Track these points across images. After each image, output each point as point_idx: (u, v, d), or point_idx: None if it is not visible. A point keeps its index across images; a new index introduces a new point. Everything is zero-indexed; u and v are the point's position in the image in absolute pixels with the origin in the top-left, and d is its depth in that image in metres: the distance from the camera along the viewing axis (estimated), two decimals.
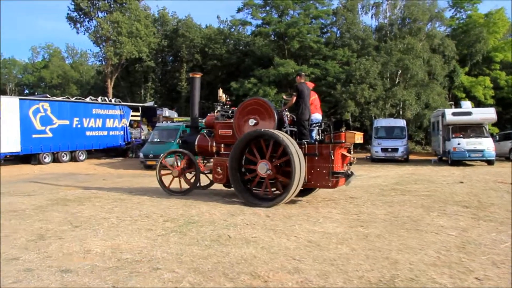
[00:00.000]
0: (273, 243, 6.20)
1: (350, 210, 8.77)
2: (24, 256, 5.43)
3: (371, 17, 37.41)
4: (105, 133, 27.16)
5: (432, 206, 9.19)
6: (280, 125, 9.52)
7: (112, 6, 34.35)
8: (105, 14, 35.13)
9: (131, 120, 29.31)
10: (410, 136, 29.99)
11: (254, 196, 9.47)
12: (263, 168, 9.11)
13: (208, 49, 38.41)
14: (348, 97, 27.76)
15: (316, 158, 8.94)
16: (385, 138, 24.73)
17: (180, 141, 11.47)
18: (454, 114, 21.62)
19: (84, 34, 37.07)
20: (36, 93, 42.59)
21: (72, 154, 25.08)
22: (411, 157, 26.32)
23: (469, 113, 21.35)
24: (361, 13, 35.52)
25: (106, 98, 29.30)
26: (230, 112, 10.61)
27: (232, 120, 10.11)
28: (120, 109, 28.17)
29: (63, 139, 24.27)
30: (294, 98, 9.55)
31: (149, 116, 30.56)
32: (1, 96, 22.71)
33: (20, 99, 22.65)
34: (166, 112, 31.17)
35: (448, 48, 32.87)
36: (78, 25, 36.04)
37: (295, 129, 9.65)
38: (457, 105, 27.10)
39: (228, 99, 11.28)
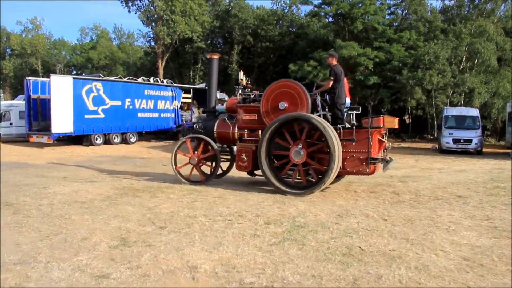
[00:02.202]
0: (423, 260, 4.81)
1: (473, 214, 7.31)
2: (115, 273, 4.13)
3: None
4: (156, 115, 26.15)
5: None
6: (312, 110, 8.84)
7: None
8: None
9: (181, 102, 28.19)
10: (484, 127, 27.56)
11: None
12: (297, 154, 8.44)
13: (260, 31, 36.78)
14: (415, 83, 25.61)
15: (353, 143, 8.43)
16: (456, 128, 22.61)
17: (197, 127, 10.35)
18: None
19: (136, 13, 36.17)
20: (83, 74, 42.36)
21: (123, 136, 24.23)
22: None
23: None
24: None
25: (158, 79, 28.25)
26: (253, 95, 9.74)
27: (257, 104, 9.28)
28: (172, 91, 27.08)
29: (115, 120, 23.37)
30: (331, 82, 8.88)
31: (200, 99, 29.32)
32: (53, 75, 22.00)
33: (73, 78, 21.79)
34: (218, 94, 29.83)
35: None
36: (130, 3, 35.31)
37: (326, 113, 9.04)
38: None
39: (249, 82, 10.38)
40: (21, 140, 23.84)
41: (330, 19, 32.39)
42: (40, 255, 4.64)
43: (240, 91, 9.82)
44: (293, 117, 8.58)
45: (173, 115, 27.03)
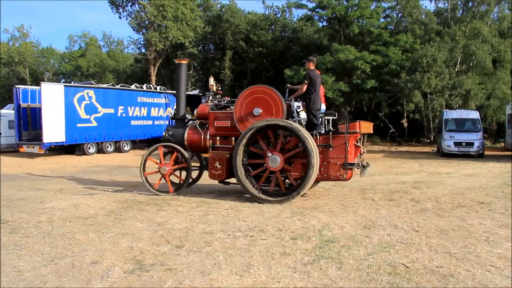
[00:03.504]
0: (479, 279, 4.40)
1: (505, 222, 6.86)
2: None
3: (430, 1, 34.67)
4: (150, 122, 25.46)
5: None
6: (287, 116, 8.63)
7: None
8: None
9: (175, 109, 27.50)
10: (486, 129, 27.22)
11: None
12: (275, 161, 8.23)
13: (253, 36, 36.34)
14: (413, 87, 25.25)
15: (330, 149, 8.34)
16: (456, 131, 22.30)
17: (166, 135, 9.93)
18: None
19: (126, 19, 35.53)
20: (73, 82, 41.73)
21: (116, 145, 23.53)
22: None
23: None
24: None
25: (151, 86, 27.60)
26: (224, 101, 9.52)
27: (230, 110, 9.13)
28: (165, 98, 26.44)
29: (108, 129, 22.66)
30: (305, 86, 8.72)
31: (194, 105, 28.67)
32: (43, 83, 21.27)
33: (65, 85, 21.07)
34: None
35: None
36: (121, 10, 34.62)
37: (301, 119, 8.86)
38: None
39: (220, 88, 10.11)
40: (11, 150, 23.02)
41: (325, 23, 32.04)
42: (47, 285, 4.04)
43: (211, 98, 9.52)
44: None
45: (167, 122, 26.35)
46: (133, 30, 37.39)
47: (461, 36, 28.24)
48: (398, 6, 31.16)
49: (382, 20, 30.57)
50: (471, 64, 28.71)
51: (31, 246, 5.34)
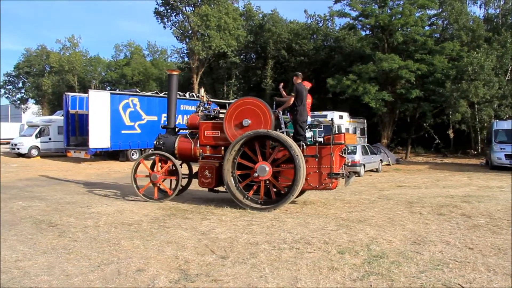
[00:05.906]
0: None
1: None
2: None
3: (480, 7, 33.54)
4: None
5: None
6: (276, 127, 8.86)
7: None
8: (192, 8, 34.08)
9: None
10: None
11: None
12: (263, 170, 8.43)
13: (294, 45, 36.25)
14: (459, 96, 24.34)
15: (316, 159, 8.54)
16: (507, 143, 21.35)
17: (157, 143, 10.11)
18: None
19: (171, 29, 36.34)
20: (118, 90, 42.82)
21: None
22: None
23: None
24: (469, 3, 31.90)
25: (194, 94, 27.94)
26: (214, 112, 9.71)
27: (220, 121, 9.27)
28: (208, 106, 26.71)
29: (151, 136, 22.92)
30: (292, 99, 8.94)
31: None
32: (91, 90, 21.96)
33: (111, 93, 21.70)
34: None
35: None
36: (165, 20, 35.49)
37: (288, 131, 9.05)
38: None
39: (210, 99, 10.33)
40: (59, 155, 23.92)
41: (368, 32, 31.51)
42: None
43: (201, 108, 9.73)
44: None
45: None
46: (177, 39, 38.26)
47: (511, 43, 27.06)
48: (444, 13, 30.23)
49: (427, 27, 29.68)
50: None
51: (78, 251, 5.42)
